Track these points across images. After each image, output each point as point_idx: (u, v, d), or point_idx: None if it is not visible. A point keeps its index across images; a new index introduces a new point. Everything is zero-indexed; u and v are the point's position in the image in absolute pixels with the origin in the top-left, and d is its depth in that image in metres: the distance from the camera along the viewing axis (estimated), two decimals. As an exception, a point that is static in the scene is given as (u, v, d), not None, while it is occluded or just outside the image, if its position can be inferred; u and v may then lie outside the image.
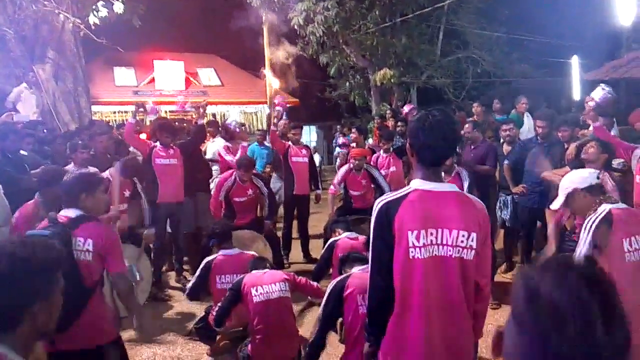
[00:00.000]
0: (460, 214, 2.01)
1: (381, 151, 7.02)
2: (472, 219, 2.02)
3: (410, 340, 2.01)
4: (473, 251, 2.01)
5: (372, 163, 6.77)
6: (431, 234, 1.98)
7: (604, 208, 2.73)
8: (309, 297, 4.53)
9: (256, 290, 3.66)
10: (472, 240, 2.00)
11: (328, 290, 3.26)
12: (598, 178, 2.87)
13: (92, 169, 5.47)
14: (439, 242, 1.98)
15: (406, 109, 7.49)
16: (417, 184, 2.06)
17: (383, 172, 6.66)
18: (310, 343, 3.26)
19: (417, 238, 1.97)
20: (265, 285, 3.68)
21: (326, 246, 4.83)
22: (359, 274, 3.20)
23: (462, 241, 1.99)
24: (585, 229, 2.71)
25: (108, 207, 4.30)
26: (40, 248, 1.43)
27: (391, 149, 6.97)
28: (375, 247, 2.07)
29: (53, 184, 3.80)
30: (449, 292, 2.00)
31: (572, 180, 2.92)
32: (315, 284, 4.07)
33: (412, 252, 1.97)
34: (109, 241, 2.85)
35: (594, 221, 2.69)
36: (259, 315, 3.63)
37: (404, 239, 1.98)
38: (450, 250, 1.99)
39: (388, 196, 2.08)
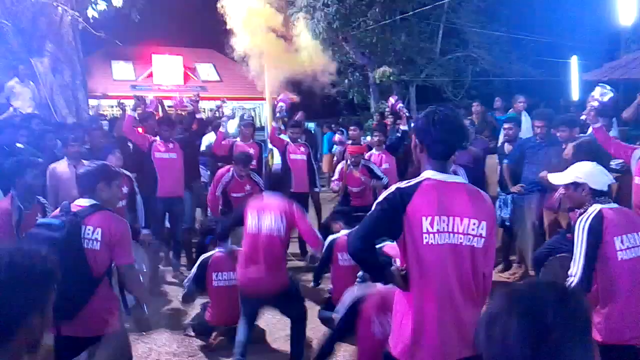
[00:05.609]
0: (471, 203, 2.06)
1: (373, 149, 6.98)
2: (481, 208, 2.08)
3: (425, 326, 2.04)
4: (483, 239, 2.05)
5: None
6: (444, 221, 2.02)
7: (595, 208, 2.73)
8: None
9: (251, 219, 3.82)
10: (482, 229, 2.05)
11: (347, 305, 3.16)
12: (609, 187, 2.85)
13: (86, 163, 5.42)
14: (450, 229, 2.02)
15: (392, 100, 7.35)
16: (430, 174, 2.10)
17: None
18: (320, 348, 3.26)
19: (432, 224, 2.01)
20: (261, 216, 3.80)
21: (325, 245, 4.79)
22: (381, 290, 2.96)
23: (472, 229, 2.03)
24: (578, 228, 2.71)
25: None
26: (38, 258, 1.37)
27: (384, 145, 6.93)
28: (375, 214, 2.09)
29: (24, 175, 3.74)
30: (462, 280, 2.03)
31: (590, 173, 2.85)
32: (315, 232, 4.04)
33: (426, 238, 2.01)
34: (118, 232, 2.83)
35: (586, 221, 2.69)
36: (249, 243, 3.82)
37: (418, 225, 2.01)
38: (461, 238, 2.03)
39: (401, 184, 2.11)
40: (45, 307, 1.36)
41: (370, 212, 2.12)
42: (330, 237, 4.73)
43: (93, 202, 2.87)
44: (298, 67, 9.42)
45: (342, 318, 3.14)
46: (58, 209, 2.92)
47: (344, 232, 4.67)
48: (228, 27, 9.31)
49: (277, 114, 6.99)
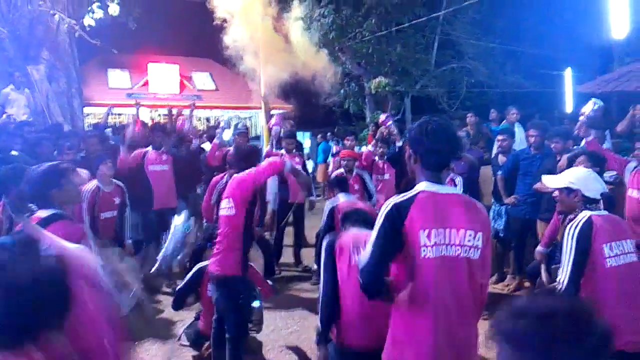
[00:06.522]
0: (466, 214, 2.06)
1: (376, 157, 6.97)
2: (477, 219, 2.07)
3: (419, 340, 2.01)
4: (479, 250, 2.04)
5: (364, 163, 6.67)
6: (440, 233, 2.00)
7: (585, 214, 2.75)
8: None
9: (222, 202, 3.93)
10: (478, 240, 2.04)
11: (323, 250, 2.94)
12: (602, 195, 2.87)
13: (82, 171, 5.40)
14: (446, 242, 2.00)
15: (382, 117, 7.31)
16: (424, 186, 2.09)
17: (378, 177, 6.64)
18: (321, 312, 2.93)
19: (429, 237, 1.99)
20: (224, 199, 3.88)
21: (326, 212, 4.74)
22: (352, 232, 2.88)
23: (469, 240, 2.02)
24: (567, 235, 2.72)
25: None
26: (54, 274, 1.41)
27: (385, 157, 6.93)
28: (380, 238, 2.04)
29: (15, 183, 3.67)
30: (458, 293, 2.01)
31: (585, 180, 2.88)
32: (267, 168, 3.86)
33: (423, 251, 1.98)
34: (72, 240, 2.50)
35: (575, 227, 2.71)
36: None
37: (416, 238, 1.99)
38: (458, 250, 2.01)
39: (397, 198, 2.09)
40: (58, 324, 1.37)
41: (374, 238, 2.05)
42: (330, 204, 4.66)
43: (50, 212, 2.65)
44: (294, 63, 9.11)
45: (323, 263, 2.87)
46: (20, 224, 2.71)
47: (341, 196, 4.60)
48: (220, 20, 9.06)
49: (273, 140, 7.05)
